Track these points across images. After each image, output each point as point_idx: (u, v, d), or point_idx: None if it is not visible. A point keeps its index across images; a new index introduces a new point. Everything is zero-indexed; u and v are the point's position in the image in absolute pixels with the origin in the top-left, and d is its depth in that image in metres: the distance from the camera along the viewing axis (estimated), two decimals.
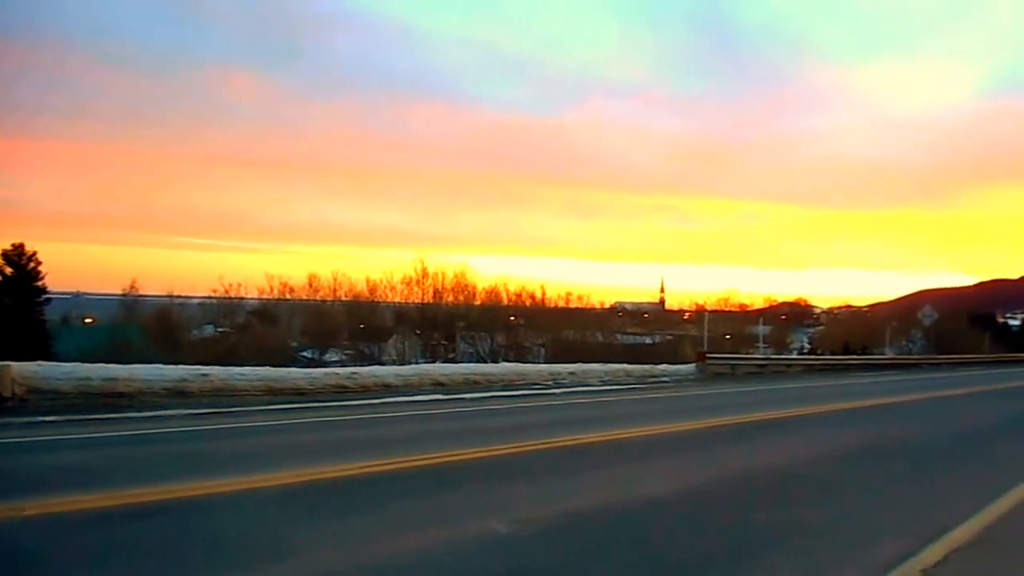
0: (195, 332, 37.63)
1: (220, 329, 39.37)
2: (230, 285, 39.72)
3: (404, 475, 6.06)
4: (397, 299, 35.83)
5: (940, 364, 38.24)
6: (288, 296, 38.35)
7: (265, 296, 39.10)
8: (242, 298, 40.21)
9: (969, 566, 4.14)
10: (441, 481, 5.99)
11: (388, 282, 36.28)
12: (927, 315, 49.30)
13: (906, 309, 71.63)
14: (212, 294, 40.62)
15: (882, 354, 43.06)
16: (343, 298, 37.33)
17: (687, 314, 59.25)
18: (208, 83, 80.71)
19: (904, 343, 54.00)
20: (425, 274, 35.28)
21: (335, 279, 37.80)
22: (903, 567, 4.00)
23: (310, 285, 38.13)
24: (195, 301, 40.83)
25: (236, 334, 36.24)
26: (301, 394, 12.64)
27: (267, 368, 13.98)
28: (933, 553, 4.25)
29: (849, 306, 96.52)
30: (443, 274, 35.90)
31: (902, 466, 7.58)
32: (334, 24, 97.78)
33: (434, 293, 34.78)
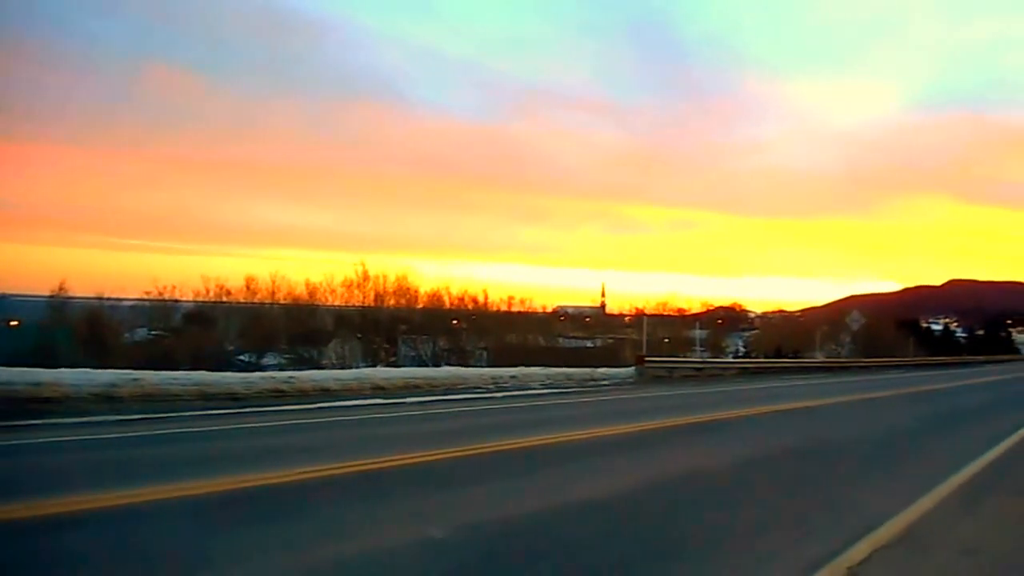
0: (127, 335, 36.41)
1: (154, 332, 38.20)
2: (164, 287, 38.67)
3: (340, 481, 5.96)
4: (338, 302, 35.37)
5: (867, 367, 39.57)
6: (225, 299, 37.49)
7: (201, 298, 38.14)
8: (177, 300, 39.16)
9: (893, 564, 4.23)
10: (378, 487, 5.91)
11: (328, 285, 35.78)
12: (855, 320, 50.91)
13: (836, 314, 73.72)
14: (145, 296, 39.43)
15: (813, 357, 44.28)
16: (282, 301, 36.64)
17: (627, 318, 59.95)
18: (142, 82, 78.49)
19: (834, 347, 55.54)
20: (366, 277, 34.87)
21: (274, 281, 37.09)
22: (830, 566, 4.07)
23: (248, 287, 37.35)
24: (127, 303, 39.55)
25: (170, 337, 35.26)
26: (237, 399, 12.41)
27: (201, 372, 13.66)
28: (859, 551, 4.33)
29: (782, 311, 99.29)
30: (385, 277, 35.56)
31: (830, 466, 7.77)
32: (273, 23, 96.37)
33: (375, 296, 34.36)
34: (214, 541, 4.23)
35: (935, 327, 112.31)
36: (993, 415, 14.14)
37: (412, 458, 6.98)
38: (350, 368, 21.08)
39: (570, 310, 66.20)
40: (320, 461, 6.55)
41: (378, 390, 14.86)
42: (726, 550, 4.46)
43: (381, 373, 16.85)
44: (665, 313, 59.41)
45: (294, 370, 19.23)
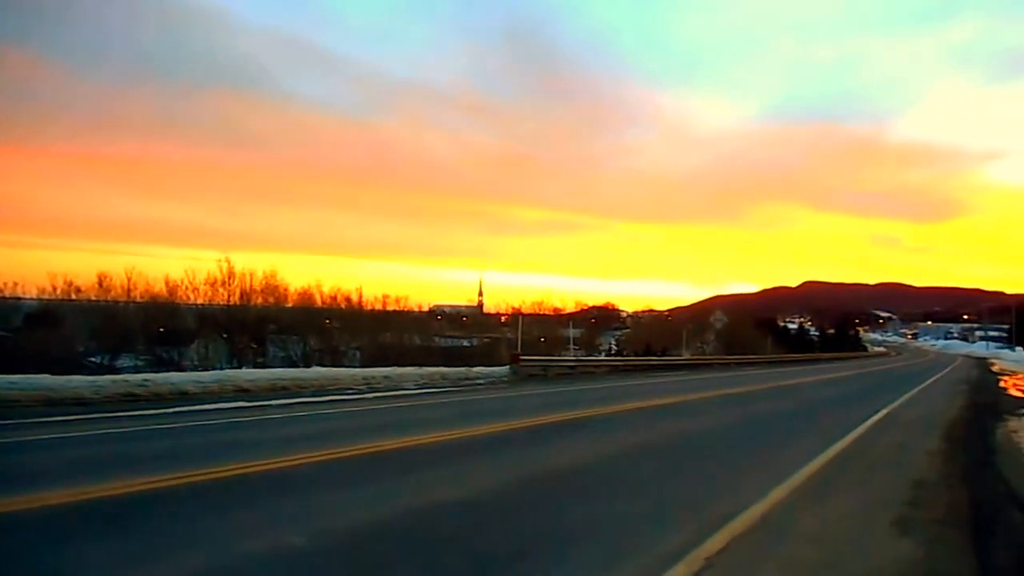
0: None
1: None
2: (5, 284, 35.68)
3: (195, 490, 5.62)
4: (201, 301, 33.55)
5: (729, 364, 41.61)
6: (74, 296, 34.90)
7: (47, 296, 35.35)
8: (19, 298, 36.12)
9: (747, 552, 4.37)
10: (236, 494, 5.62)
11: (190, 283, 33.77)
12: (718, 319, 53.68)
13: (701, 314, 77.34)
14: None
15: (680, 355, 46.12)
16: (138, 299, 34.44)
17: (504, 317, 60.34)
18: None
19: (699, 345, 58.15)
20: (232, 274, 33.16)
21: (129, 278, 34.68)
22: (689, 556, 4.17)
23: (100, 285, 34.81)
24: None
25: (12, 338, 32.48)
26: (85, 404, 11.65)
27: (45, 376, 12.66)
28: (716, 541, 4.47)
29: (652, 310, 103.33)
30: (251, 274, 34.05)
31: (692, 460, 8.03)
32: (134, 8, 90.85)
33: (241, 294, 32.75)
34: (44, 560, 3.87)
35: (791, 326, 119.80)
36: (842, 409, 15.09)
37: (274, 463, 6.69)
38: (213, 370, 20.07)
39: (447, 309, 66.01)
40: (172, 469, 6.15)
41: (242, 392, 14.27)
42: (590, 544, 4.50)
43: (246, 375, 16.17)
44: (541, 312, 60.23)
45: (151, 372, 18.11)
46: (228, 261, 33.49)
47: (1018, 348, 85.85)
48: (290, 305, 35.25)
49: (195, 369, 23.53)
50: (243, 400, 12.94)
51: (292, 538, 4.40)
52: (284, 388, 15.25)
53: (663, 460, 7.94)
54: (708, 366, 38.57)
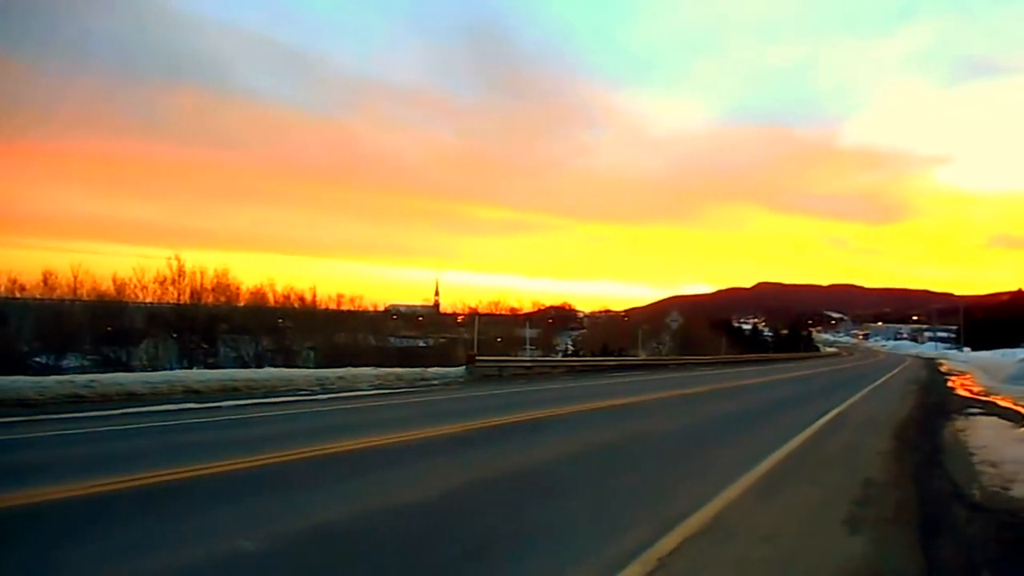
0: None
1: None
2: None
3: (142, 494, 5.46)
4: (150, 300, 32.69)
5: (684, 364, 42.03)
6: (18, 295, 33.79)
7: None
8: None
9: (700, 552, 4.38)
10: (184, 498, 5.47)
11: (139, 281, 32.94)
12: (674, 320, 54.25)
13: (657, 314, 78.17)
14: None
15: (636, 355, 46.53)
16: (85, 298, 33.44)
17: (461, 317, 60.22)
18: None
19: (655, 345, 58.78)
20: (182, 272, 32.34)
21: (75, 276, 33.73)
22: (642, 557, 4.17)
23: (45, 283, 33.79)
24: None
25: None
26: (28, 406, 11.41)
27: None
28: (670, 541, 4.48)
29: (608, 311, 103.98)
30: (203, 272, 33.31)
31: (648, 460, 8.05)
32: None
33: (192, 293, 32.02)
34: None
35: (745, 326, 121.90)
36: (794, 408, 15.31)
37: (224, 466, 6.53)
38: (163, 370, 19.60)
39: (403, 309, 65.60)
40: (118, 472, 5.97)
41: (192, 393, 14.01)
42: (545, 545, 4.48)
43: (196, 375, 15.86)
44: (498, 312, 60.34)
45: (98, 372, 17.62)
46: (178, 259, 32.76)
47: (965, 349, 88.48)
48: (242, 304, 34.58)
49: (144, 369, 22.95)
50: (193, 401, 12.69)
51: (241, 542, 4.29)
52: (235, 389, 14.99)
53: (619, 460, 7.95)
54: (664, 366, 38.93)
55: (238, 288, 34.80)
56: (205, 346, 30.17)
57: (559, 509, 5.46)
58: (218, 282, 33.52)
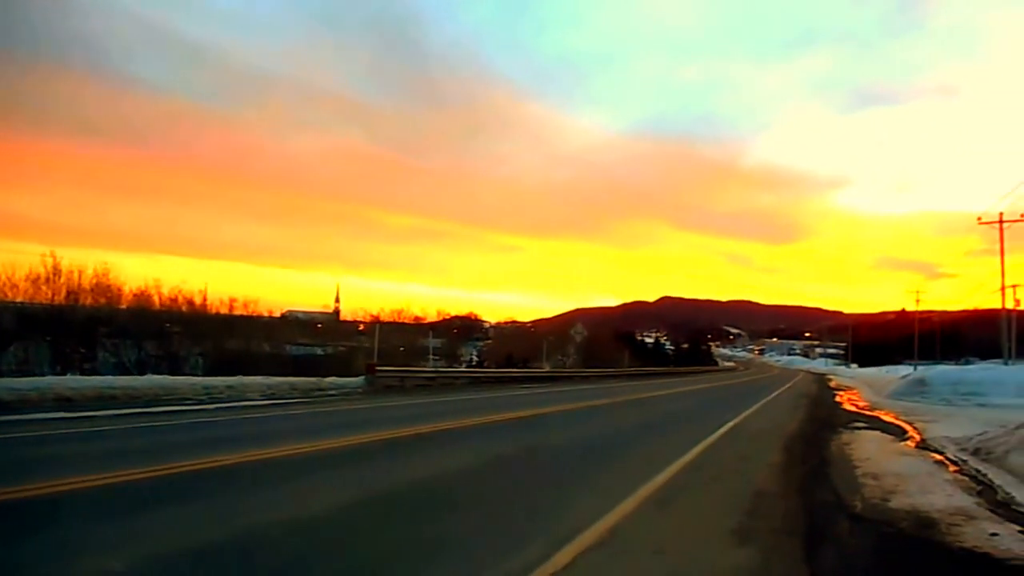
0: None
1: None
2: None
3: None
4: (20, 299, 30.36)
5: (589, 377, 42.63)
6: None
7: None
8: None
9: (593, 567, 4.32)
10: (49, 515, 5.06)
11: (8, 279, 30.59)
12: (578, 332, 55.01)
13: (563, 326, 78.99)
14: None
15: (541, 367, 46.85)
16: None
17: (362, 325, 59.06)
18: None
19: (560, 357, 59.32)
20: (57, 271, 30.13)
21: None
22: (536, 572, 4.10)
23: None
24: None
25: None
26: None
27: None
28: (564, 556, 4.41)
29: (515, 321, 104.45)
30: (80, 272, 31.20)
31: (547, 473, 7.99)
32: None
33: (68, 293, 30.01)
34: None
35: (648, 340, 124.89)
36: (692, 421, 15.63)
37: (95, 480, 6.09)
38: (33, 376, 18.25)
39: (301, 315, 63.72)
40: None
41: (64, 402, 13.13)
42: (438, 561, 4.35)
43: (70, 382, 14.86)
44: (401, 321, 59.61)
45: None
46: (53, 256, 30.56)
47: (853, 365, 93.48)
48: (125, 307, 32.57)
49: (11, 375, 21.27)
50: (65, 410, 11.94)
51: (110, 563, 4.00)
52: (113, 397, 14.14)
53: (519, 474, 7.84)
54: (568, 378, 39.33)
55: (120, 289, 32.71)
56: (82, 350, 28.23)
57: (455, 524, 5.30)
58: (98, 282, 31.35)
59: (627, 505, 6.03)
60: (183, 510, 5.35)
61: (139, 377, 18.45)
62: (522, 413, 15.23)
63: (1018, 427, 10.30)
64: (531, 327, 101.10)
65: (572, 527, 5.10)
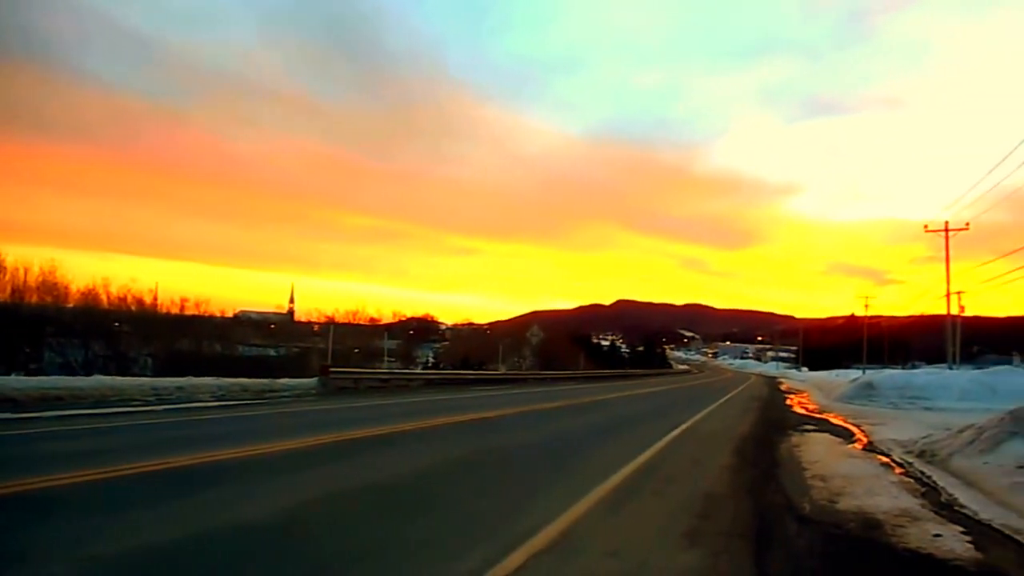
0: None
1: None
2: None
3: None
4: None
5: (544, 379, 42.73)
6: None
7: None
8: None
9: (544, 569, 4.33)
10: None
11: None
12: (535, 335, 55.27)
13: (519, 328, 79.19)
14: None
15: (497, 369, 46.85)
16: None
17: (317, 326, 58.44)
18: None
19: (516, 359, 59.47)
20: (2, 268, 29.34)
21: None
22: (489, 574, 4.11)
23: None
24: None
25: None
26: None
27: None
28: (515, 559, 4.42)
29: (471, 323, 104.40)
30: (26, 270, 30.30)
31: (500, 476, 7.96)
32: None
33: (13, 291, 29.10)
34: None
35: (604, 343, 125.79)
36: (646, 423, 15.73)
37: (38, 482, 5.96)
38: None
39: (254, 315, 62.82)
40: None
41: (7, 402, 12.77)
42: (389, 564, 4.32)
43: (13, 382, 14.46)
44: (356, 322, 59.07)
45: None
46: None
47: (804, 369, 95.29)
48: (72, 305, 31.72)
49: None
50: (8, 411, 11.62)
51: (52, 567, 3.93)
52: (59, 398, 13.77)
53: (471, 476, 7.82)
54: (524, 381, 39.36)
55: (67, 287, 31.87)
56: (27, 350, 27.44)
57: (407, 526, 5.25)
58: (44, 280, 30.57)
59: (581, 507, 6.07)
60: (131, 513, 5.23)
61: (85, 378, 17.96)
62: (477, 415, 15.19)
63: (961, 430, 10.61)
64: (487, 329, 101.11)
65: (525, 529, 5.12)
